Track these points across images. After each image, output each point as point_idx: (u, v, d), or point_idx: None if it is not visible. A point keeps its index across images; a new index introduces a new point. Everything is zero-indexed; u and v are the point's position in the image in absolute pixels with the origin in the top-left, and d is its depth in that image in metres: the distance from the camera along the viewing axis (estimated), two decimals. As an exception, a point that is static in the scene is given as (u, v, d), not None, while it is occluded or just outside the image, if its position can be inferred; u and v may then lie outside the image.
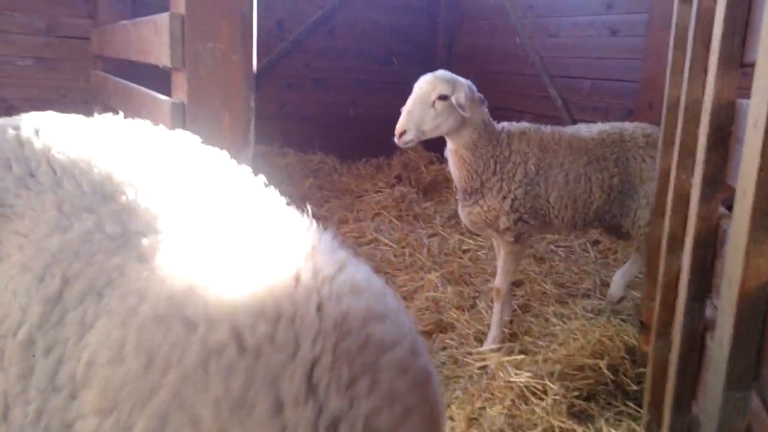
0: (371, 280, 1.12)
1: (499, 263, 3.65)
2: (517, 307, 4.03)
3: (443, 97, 3.30)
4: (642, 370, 3.12)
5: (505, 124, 3.65)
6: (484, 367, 3.30)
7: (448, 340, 3.66)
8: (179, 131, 1.76)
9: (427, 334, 3.71)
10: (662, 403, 2.44)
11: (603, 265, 4.87)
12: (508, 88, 6.90)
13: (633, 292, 4.16)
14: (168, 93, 3.46)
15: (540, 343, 3.54)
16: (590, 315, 3.87)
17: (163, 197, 1.34)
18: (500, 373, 3.16)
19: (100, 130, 1.65)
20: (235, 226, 1.24)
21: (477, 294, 4.27)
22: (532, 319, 3.89)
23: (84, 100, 6.10)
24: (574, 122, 5.67)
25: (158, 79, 4.46)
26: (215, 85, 2.90)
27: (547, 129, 3.66)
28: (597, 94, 5.95)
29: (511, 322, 3.79)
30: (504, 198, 3.44)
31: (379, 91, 7.63)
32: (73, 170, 1.43)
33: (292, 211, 1.33)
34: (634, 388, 3.10)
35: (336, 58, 7.39)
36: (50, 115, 1.77)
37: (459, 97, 3.30)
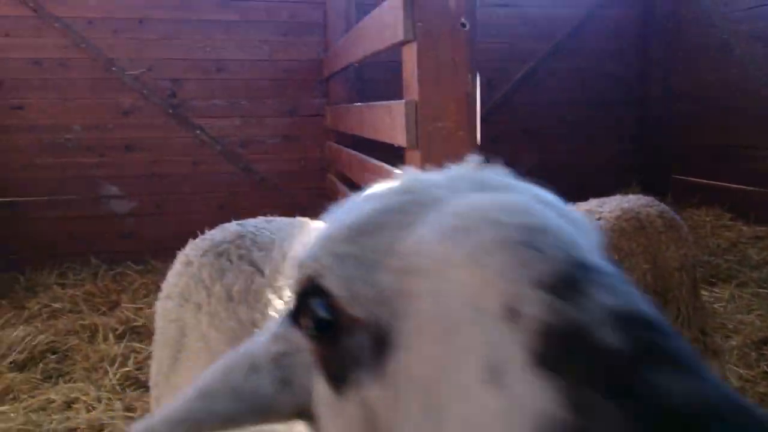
0: None
1: None
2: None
3: None
4: None
5: None
6: None
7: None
8: None
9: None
10: None
11: None
12: (739, 123, 6.42)
13: None
14: (387, 160, 3.91)
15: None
16: None
17: None
18: None
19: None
20: None
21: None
22: None
23: (320, 168, 6.96)
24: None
25: (377, 149, 5.02)
26: (444, 159, 3.23)
27: None
28: None
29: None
30: None
31: (592, 138, 7.56)
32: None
33: None
34: None
35: (543, 110, 7.50)
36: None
37: None
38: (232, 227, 1.85)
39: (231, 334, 1.43)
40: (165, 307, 1.73)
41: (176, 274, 1.76)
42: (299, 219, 1.92)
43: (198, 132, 6.58)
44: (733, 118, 6.49)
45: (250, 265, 1.59)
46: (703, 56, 7.04)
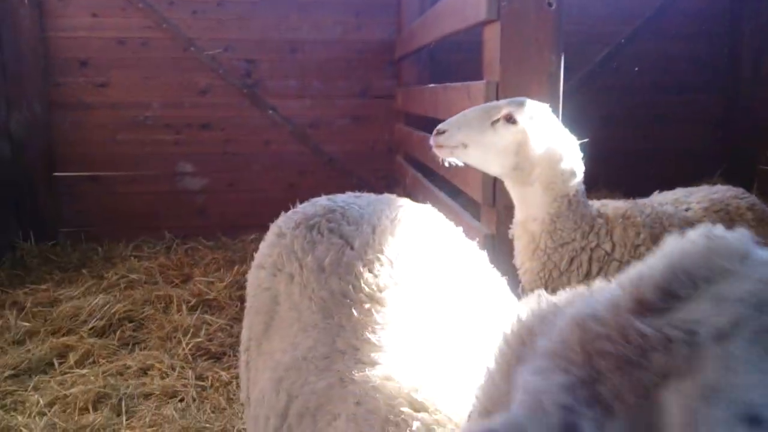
0: None
1: None
2: None
3: (511, 119, 2.43)
4: None
5: (596, 202, 2.75)
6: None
7: None
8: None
9: None
10: None
11: None
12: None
13: None
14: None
15: None
16: None
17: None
18: None
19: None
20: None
21: None
22: None
23: (388, 150, 6.93)
24: None
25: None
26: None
27: (646, 208, 2.74)
28: None
29: None
30: None
31: (674, 124, 7.22)
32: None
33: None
34: None
35: (622, 94, 7.19)
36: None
37: (536, 129, 2.44)
38: (322, 201, 1.86)
39: (322, 304, 1.44)
40: (258, 276, 1.76)
41: (269, 245, 1.79)
42: (387, 195, 1.91)
43: (271, 112, 6.66)
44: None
45: (341, 238, 1.59)
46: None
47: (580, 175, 2.54)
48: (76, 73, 6.41)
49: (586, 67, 7.03)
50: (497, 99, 3.04)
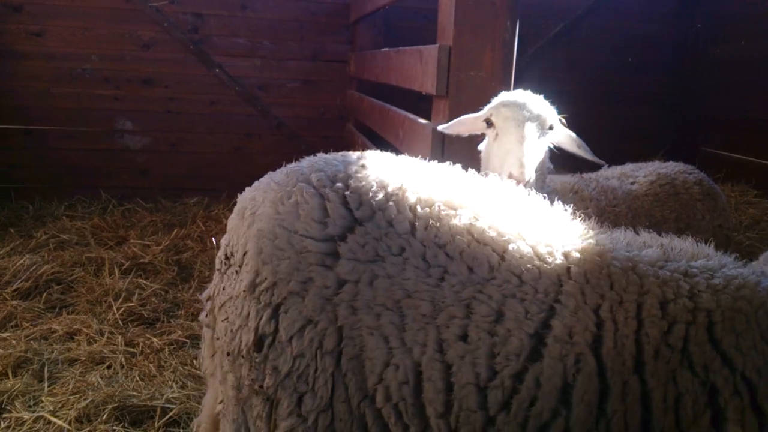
0: None
1: None
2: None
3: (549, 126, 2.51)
4: None
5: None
6: None
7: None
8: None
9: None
10: None
11: None
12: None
13: None
14: (410, 111, 3.71)
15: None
16: None
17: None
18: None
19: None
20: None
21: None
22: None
23: (339, 117, 6.76)
24: None
25: (399, 99, 4.80)
26: (473, 111, 3.03)
27: (591, 182, 2.82)
28: None
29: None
30: None
31: (624, 103, 7.28)
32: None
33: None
34: None
35: (575, 70, 7.20)
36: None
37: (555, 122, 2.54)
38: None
39: None
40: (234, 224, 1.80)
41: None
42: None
43: (217, 71, 6.38)
44: (763, 94, 6.19)
45: None
46: (744, 27, 6.67)
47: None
48: (9, 19, 5.98)
49: (541, 41, 6.99)
50: (449, 63, 2.94)
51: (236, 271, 1.68)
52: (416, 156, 3.48)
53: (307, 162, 1.82)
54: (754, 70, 6.45)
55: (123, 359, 3.38)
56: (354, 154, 1.86)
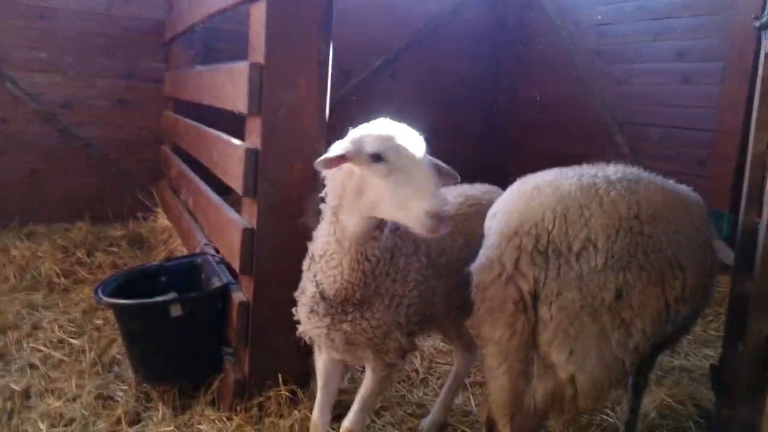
0: None
1: (363, 396, 2.51)
2: None
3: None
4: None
5: None
6: None
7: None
8: None
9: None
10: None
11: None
12: (571, 133, 6.82)
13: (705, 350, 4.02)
14: (229, 133, 3.55)
15: None
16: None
17: None
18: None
19: None
20: None
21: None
22: None
23: (155, 139, 6.34)
24: (645, 170, 5.54)
25: (220, 121, 4.58)
26: (289, 132, 2.94)
27: None
28: (667, 142, 5.81)
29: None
30: (398, 306, 2.39)
31: (439, 135, 7.64)
32: None
33: None
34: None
35: (395, 101, 7.45)
36: None
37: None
38: None
39: None
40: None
41: None
42: None
43: (9, 85, 5.68)
44: (569, 129, 6.88)
45: None
46: (548, 68, 7.39)
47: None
48: None
49: (364, 73, 7.16)
50: (261, 82, 2.84)
51: (576, 257, 2.12)
52: (230, 178, 3.32)
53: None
54: (561, 109, 7.13)
55: None
56: None
